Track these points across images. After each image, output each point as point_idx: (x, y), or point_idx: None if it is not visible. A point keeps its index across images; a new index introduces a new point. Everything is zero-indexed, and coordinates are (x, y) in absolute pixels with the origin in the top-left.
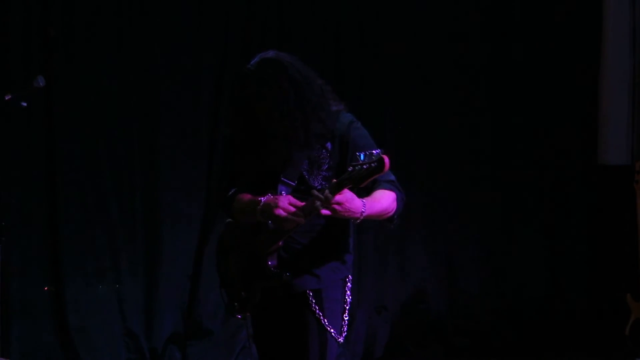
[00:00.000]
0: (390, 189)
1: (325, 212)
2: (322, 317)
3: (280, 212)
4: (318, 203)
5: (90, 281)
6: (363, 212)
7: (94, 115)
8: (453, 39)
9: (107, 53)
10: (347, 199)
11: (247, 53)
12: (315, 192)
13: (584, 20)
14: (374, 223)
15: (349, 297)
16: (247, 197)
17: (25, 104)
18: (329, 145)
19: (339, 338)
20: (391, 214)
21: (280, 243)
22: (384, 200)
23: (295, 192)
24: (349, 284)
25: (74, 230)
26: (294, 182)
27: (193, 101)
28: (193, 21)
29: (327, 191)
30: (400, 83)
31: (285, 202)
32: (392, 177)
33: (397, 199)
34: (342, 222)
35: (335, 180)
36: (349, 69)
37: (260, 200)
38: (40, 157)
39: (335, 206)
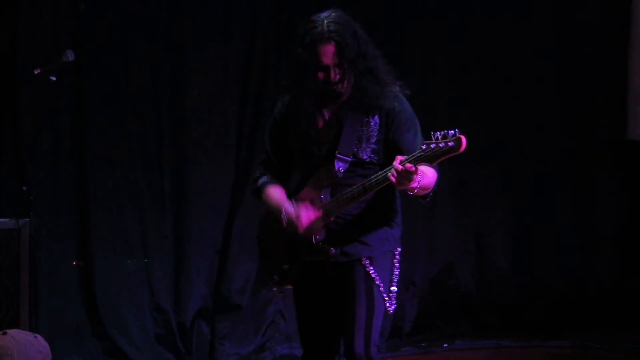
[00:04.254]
0: (434, 167)
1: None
2: (375, 281)
3: (304, 230)
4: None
5: (119, 256)
6: (417, 185)
7: (123, 92)
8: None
9: (137, 27)
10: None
11: (277, 30)
12: (396, 164)
13: None
14: (402, 197)
15: (397, 269)
16: (274, 194)
17: (54, 79)
18: (377, 118)
19: (389, 307)
20: (429, 190)
21: (331, 218)
22: (430, 175)
23: (350, 167)
24: (397, 256)
25: (102, 206)
26: (349, 157)
27: (223, 80)
28: None
29: (405, 164)
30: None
31: (306, 220)
32: None
33: (437, 177)
34: (390, 195)
35: (410, 156)
36: None
37: (283, 208)
38: (70, 133)
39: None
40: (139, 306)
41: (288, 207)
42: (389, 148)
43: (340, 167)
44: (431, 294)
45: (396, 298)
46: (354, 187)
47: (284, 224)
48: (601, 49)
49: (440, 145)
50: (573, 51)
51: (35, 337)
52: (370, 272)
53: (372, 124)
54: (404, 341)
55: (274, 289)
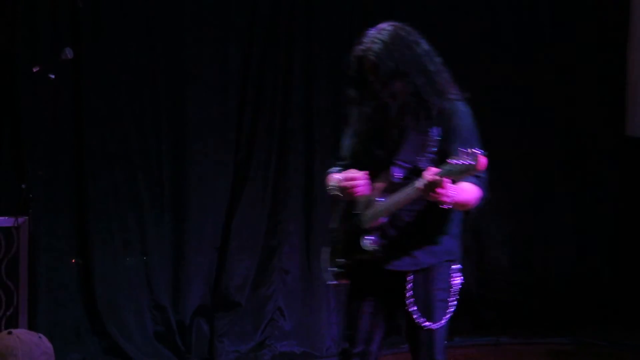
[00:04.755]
0: (477, 184)
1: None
2: (412, 304)
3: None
4: (419, 184)
5: (118, 254)
6: (451, 200)
7: (122, 88)
8: (479, 15)
9: (135, 24)
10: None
11: (275, 19)
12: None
13: None
14: None
15: (453, 281)
16: (332, 176)
17: (53, 76)
18: (437, 130)
19: (431, 325)
20: (468, 207)
21: (383, 220)
22: (469, 193)
23: (407, 174)
24: (453, 269)
25: (101, 203)
26: (408, 164)
27: (221, 72)
28: None
29: (432, 176)
30: None
31: (344, 175)
32: (483, 174)
33: (480, 197)
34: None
35: (434, 169)
36: None
37: (333, 178)
38: (68, 130)
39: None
40: (138, 304)
41: (336, 175)
42: (446, 156)
43: (397, 173)
44: None
45: (450, 314)
46: (390, 199)
47: (339, 192)
48: (600, 44)
49: (460, 162)
50: (571, 47)
51: (39, 337)
52: (409, 296)
53: (431, 134)
54: (403, 338)
55: (332, 282)
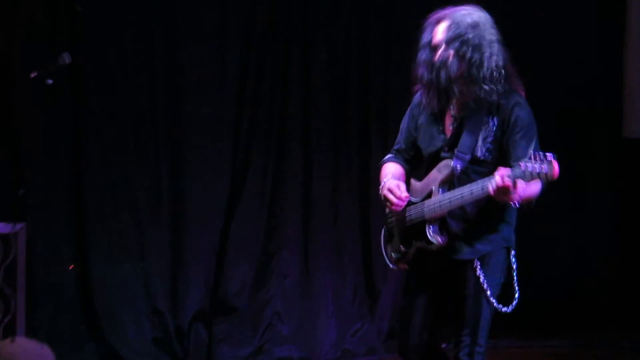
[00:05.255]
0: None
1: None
2: (474, 290)
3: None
4: (490, 187)
5: (116, 260)
6: (519, 198)
7: (120, 93)
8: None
9: (133, 30)
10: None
11: (274, 31)
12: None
13: None
14: None
15: (514, 270)
16: (387, 169)
17: (51, 82)
18: (496, 120)
19: (500, 308)
20: (531, 199)
21: (444, 212)
22: (533, 189)
23: (466, 165)
24: (512, 257)
25: (99, 209)
26: (468, 155)
27: (219, 78)
28: None
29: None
30: None
31: (396, 190)
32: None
33: (540, 191)
34: None
35: (509, 174)
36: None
37: (382, 183)
38: (66, 136)
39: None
40: (136, 310)
41: (387, 183)
42: (502, 150)
43: (458, 164)
44: None
45: (517, 299)
46: (455, 194)
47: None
48: (597, 46)
49: (533, 169)
50: (568, 48)
51: (42, 347)
52: (480, 276)
53: (491, 124)
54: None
55: (392, 266)
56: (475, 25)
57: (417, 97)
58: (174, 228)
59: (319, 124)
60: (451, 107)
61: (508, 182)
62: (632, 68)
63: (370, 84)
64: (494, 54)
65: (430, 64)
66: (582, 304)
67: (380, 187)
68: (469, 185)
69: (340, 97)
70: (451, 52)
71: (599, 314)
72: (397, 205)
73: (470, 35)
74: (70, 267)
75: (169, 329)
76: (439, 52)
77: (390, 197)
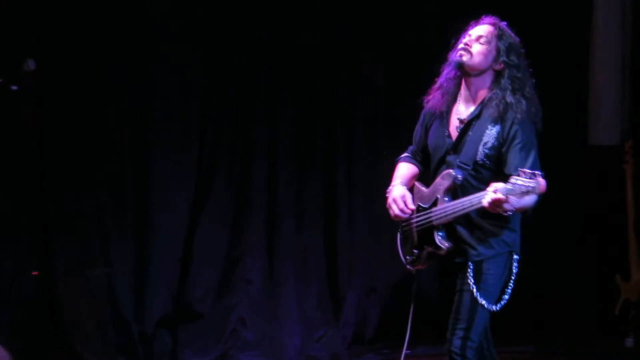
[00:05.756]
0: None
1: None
2: (475, 289)
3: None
4: (484, 202)
5: (80, 266)
6: (513, 209)
7: (85, 101)
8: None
9: (98, 35)
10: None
11: (239, 35)
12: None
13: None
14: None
15: (513, 274)
16: (398, 170)
17: (15, 88)
18: (498, 127)
19: (492, 307)
20: (527, 209)
21: (450, 219)
22: (527, 200)
23: (467, 175)
24: (513, 261)
25: (63, 216)
26: (469, 165)
27: (183, 86)
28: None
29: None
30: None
31: (400, 201)
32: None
33: (535, 201)
34: None
35: (498, 189)
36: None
37: (390, 187)
38: (31, 144)
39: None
40: (100, 316)
41: (393, 189)
42: (500, 158)
43: (459, 174)
44: (393, 301)
45: (506, 300)
46: (457, 204)
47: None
48: (561, 53)
49: (521, 184)
50: (533, 56)
51: None
52: (480, 276)
53: (493, 131)
54: (366, 348)
55: (409, 267)
56: (508, 44)
57: (428, 106)
58: (138, 234)
59: (284, 132)
60: (457, 108)
61: (499, 197)
62: (597, 76)
63: (336, 92)
64: (519, 65)
65: (467, 48)
66: (544, 308)
67: (388, 190)
68: (469, 197)
69: (305, 105)
70: (494, 44)
71: (558, 320)
72: (398, 216)
73: (514, 42)
74: (34, 274)
75: (133, 335)
76: (482, 39)
77: (393, 207)
